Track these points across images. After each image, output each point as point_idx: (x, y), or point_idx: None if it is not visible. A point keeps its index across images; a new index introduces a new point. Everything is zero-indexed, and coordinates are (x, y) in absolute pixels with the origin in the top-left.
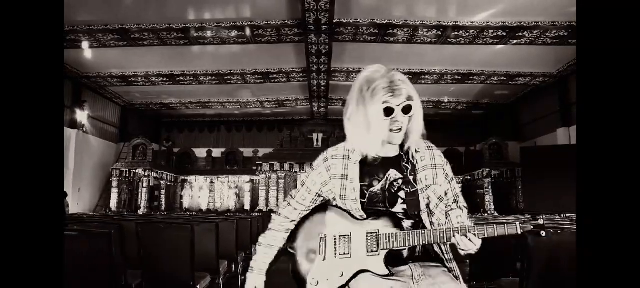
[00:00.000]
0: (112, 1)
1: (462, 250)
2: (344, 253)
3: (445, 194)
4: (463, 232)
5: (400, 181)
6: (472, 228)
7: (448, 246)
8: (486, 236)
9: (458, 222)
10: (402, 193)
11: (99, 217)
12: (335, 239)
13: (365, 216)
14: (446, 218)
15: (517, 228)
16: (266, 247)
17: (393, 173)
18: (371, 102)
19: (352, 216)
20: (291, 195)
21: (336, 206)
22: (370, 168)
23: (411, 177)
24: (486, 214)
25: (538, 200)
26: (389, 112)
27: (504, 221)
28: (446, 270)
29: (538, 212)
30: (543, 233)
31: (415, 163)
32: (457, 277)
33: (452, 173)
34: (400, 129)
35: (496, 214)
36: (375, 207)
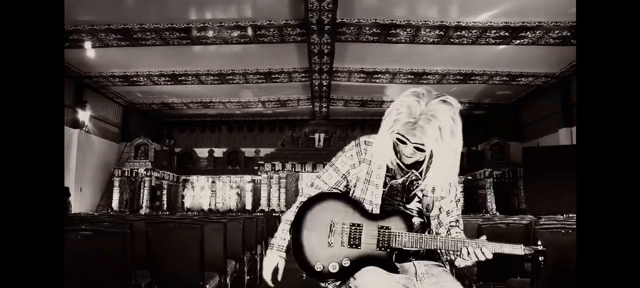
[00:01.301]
0: (114, 1)
1: (464, 260)
2: (354, 244)
3: (452, 210)
4: (479, 245)
5: (418, 182)
6: (486, 244)
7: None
8: (493, 251)
9: (457, 234)
10: (419, 193)
11: (105, 216)
12: (346, 227)
13: (378, 211)
14: (447, 233)
15: (522, 250)
16: (287, 224)
17: (414, 174)
18: (393, 127)
19: (365, 209)
20: (317, 176)
21: (351, 196)
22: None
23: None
24: (488, 214)
25: (539, 201)
26: (403, 142)
27: (510, 221)
28: (446, 268)
29: (539, 212)
30: (541, 258)
31: None
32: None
33: (461, 196)
34: (411, 158)
35: (498, 214)
36: (393, 198)
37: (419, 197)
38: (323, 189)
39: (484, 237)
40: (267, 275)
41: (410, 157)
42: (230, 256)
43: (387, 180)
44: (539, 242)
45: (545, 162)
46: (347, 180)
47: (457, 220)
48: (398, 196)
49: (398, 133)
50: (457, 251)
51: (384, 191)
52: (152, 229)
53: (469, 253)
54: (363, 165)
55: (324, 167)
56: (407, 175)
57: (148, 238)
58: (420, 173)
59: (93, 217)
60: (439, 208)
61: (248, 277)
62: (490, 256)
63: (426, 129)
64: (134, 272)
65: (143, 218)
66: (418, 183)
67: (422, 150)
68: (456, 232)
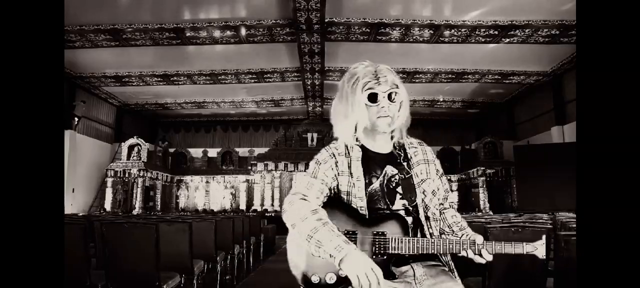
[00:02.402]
0: (103, 1)
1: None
2: None
3: (438, 189)
4: (477, 249)
5: (397, 177)
6: (485, 244)
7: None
8: (493, 252)
9: (455, 223)
10: (399, 189)
11: (76, 217)
12: None
13: (372, 216)
14: (441, 216)
15: (523, 248)
16: (325, 224)
17: (390, 169)
18: (354, 90)
19: (360, 215)
20: (307, 187)
21: (345, 203)
22: (368, 165)
23: (406, 172)
24: (480, 213)
25: (531, 199)
26: (373, 98)
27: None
28: (445, 268)
29: (531, 210)
30: (542, 255)
31: (409, 158)
32: (452, 271)
33: (441, 169)
34: (388, 116)
35: (491, 213)
36: (375, 204)
37: (400, 194)
38: (319, 199)
39: (480, 237)
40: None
41: (384, 114)
42: (200, 256)
43: (365, 189)
44: (544, 237)
45: (536, 160)
46: (331, 191)
47: (446, 197)
48: (381, 201)
49: (368, 88)
50: (455, 253)
51: (367, 201)
52: (107, 229)
53: (467, 255)
54: (342, 177)
55: None
56: (382, 175)
57: (103, 238)
58: (398, 166)
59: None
60: (423, 192)
61: (226, 277)
62: (490, 258)
63: (388, 75)
64: (90, 272)
65: (98, 219)
66: (395, 179)
67: (392, 97)
68: (451, 216)
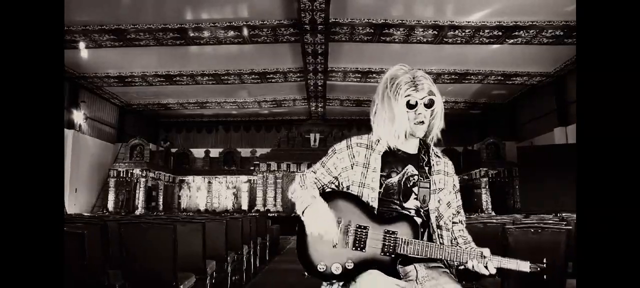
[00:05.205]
0: (107, 1)
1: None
2: (359, 247)
3: (451, 203)
4: (483, 261)
5: (415, 177)
6: (492, 259)
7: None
8: (500, 266)
9: (461, 236)
10: (415, 189)
11: (80, 218)
12: (351, 229)
13: (385, 214)
14: (450, 231)
15: (528, 267)
16: (305, 189)
17: (410, 169)
18: (395, 96)
19: (372, 210)
20: (312, 171)
21: (357, 197)
22: (390, 160)
23: (426, 176)
24: (483, 214)
25: (534, 200)
26: (411, 105)
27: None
28: (447, 270)
29: (534, 211)
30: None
31: (431, 164)
32: (453, 273)
33: (459, 185)
34: (423, 122)
35: (493, 214)
36: (389, 198)
37: (415, 194)
38: (319, 184)
39: (487, 251)
40: (330, 227)
41: (421, 122)
42: (212, 256)
43: (382, 181)
44: (545, 260)
45: (540, 161)
46: (339, 182)
47: (459, 212)
48: (395, 195)
49: (407, 96)
50: (462, 263)
51: (380, 192)
52: (125, 229)
53: (473, 267)
54: (356, 168)
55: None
56: (402, 172)
57: (121, 238)
58: (419, 168)
59: (69, 217)
60: (438, 201)
61: (235, 278)
62: (494, 271)
63: (425, 82)
64: (107, 272)
65: (114, 219)
66: (413, 178)
67: (431, 104)
68: (458, 230)
